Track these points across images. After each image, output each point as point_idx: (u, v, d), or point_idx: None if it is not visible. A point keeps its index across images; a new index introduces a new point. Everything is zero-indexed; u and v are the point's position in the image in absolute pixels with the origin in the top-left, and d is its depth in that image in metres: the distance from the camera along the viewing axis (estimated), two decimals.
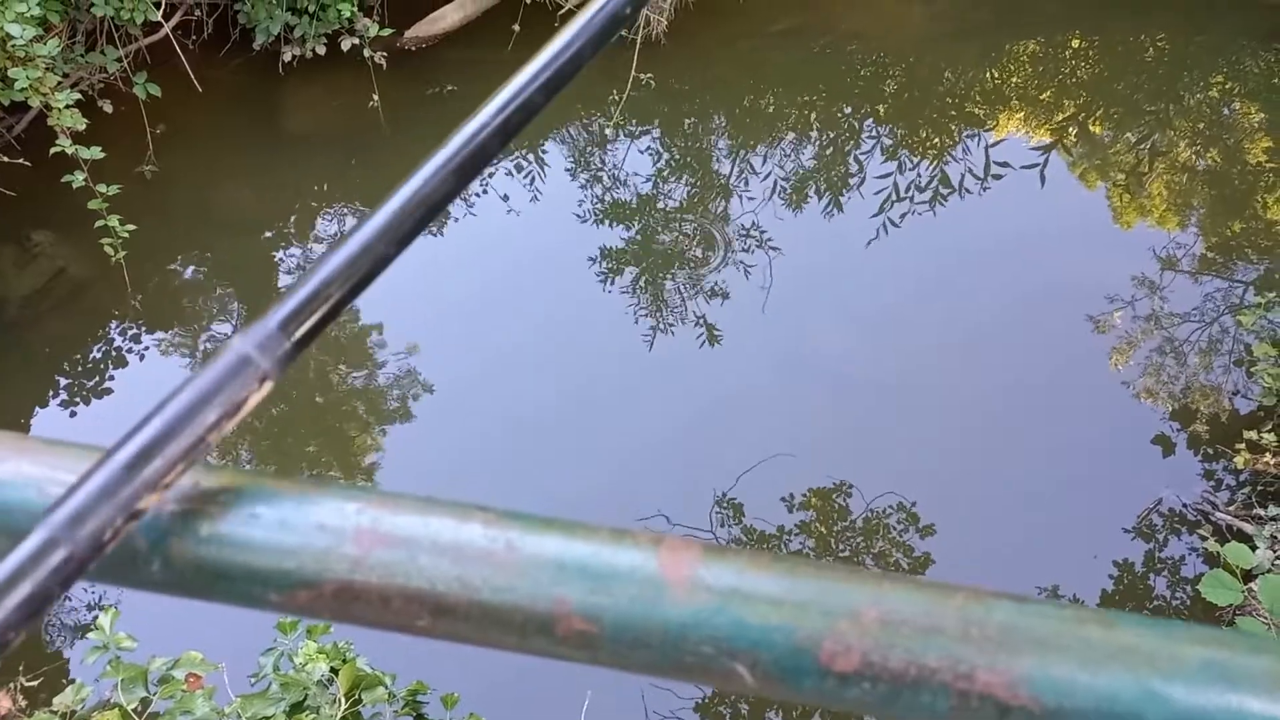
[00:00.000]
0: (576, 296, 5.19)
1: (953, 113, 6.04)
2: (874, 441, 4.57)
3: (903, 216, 5.43)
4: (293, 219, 5.51)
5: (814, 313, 5.04)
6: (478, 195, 5.60)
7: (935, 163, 5.73)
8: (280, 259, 5.29)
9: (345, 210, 5.55)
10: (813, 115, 6.07)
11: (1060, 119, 6.12)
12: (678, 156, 5.89)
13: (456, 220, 5.50)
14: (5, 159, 4.96)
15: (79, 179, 4.58)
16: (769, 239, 5.30)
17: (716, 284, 5.14)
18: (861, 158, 5.77)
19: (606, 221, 5.49)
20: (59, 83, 4.73)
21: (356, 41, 5.69)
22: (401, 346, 4.94)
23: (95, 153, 4.59)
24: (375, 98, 5.78)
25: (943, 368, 4.80)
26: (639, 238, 5.40)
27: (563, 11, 6.09)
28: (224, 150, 5.74)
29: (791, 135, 5.96)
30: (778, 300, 5.07)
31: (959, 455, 4.50)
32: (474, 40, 6.23)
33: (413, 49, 6.11)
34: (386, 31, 5.73)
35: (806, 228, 5.42)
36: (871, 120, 6.01)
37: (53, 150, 4.60)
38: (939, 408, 4.64)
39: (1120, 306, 5.09)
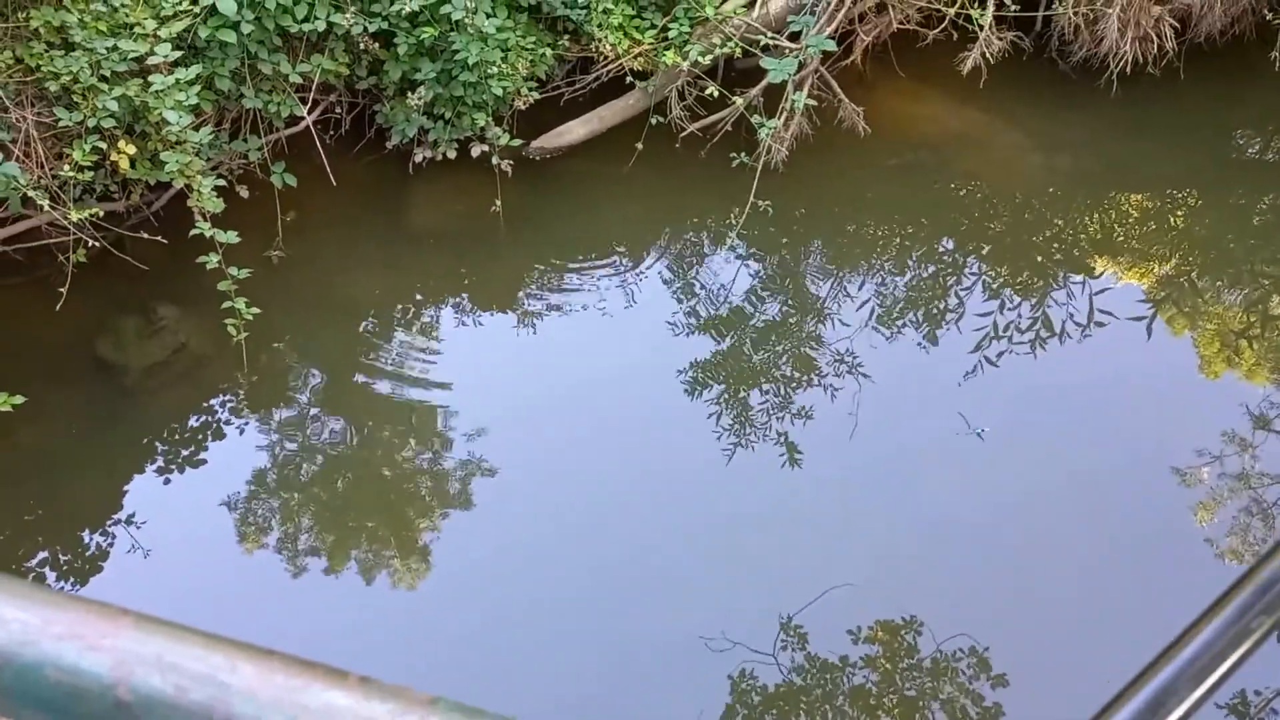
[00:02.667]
0: (658, 404, 5.14)
1: (1059, 257, 5.95)
2: (950, 581, 4.41)
3: (1000, 356, 5.33)
4: (404, 311, 5.57)
5: (900, 444, 4.94)
6: (573, 293, 5.61)
7: (1038, 305, 5.63)
8: (385, 348, 5.32)
9: (455, 308, 5.61)
10: (917, 248, 6.02)
11: (1167, 272, 5.98)
12: (781, 278, 5.88)
13: (543, 317, 5.51)
14: (144, 235, 5.12)
15: (213, 260, 4.71)
16: (860, 365, 5.24)
17: (803, 405, 5.08)
18: (962, 294, 5.71)
19: (700, 333, 5.46)
20: (203, 167, 4.92)
21: (486, 149, 5.81)
22: (473, 433, 4.92)
23: (231, 237, 4.73)
24: (498, 203, 5.85)
25: (1029, 512, 4.63)
26: (730, 353, 5.35)
27: (684, 134, 6.21)
28: (348, 241, 5.84)
29: (894, 266, 5.92)
30: (863, 427, 4.97)
31: (1038, 604, 4.31)
32: (596, 155, 6.30)
33: (537, 158, 6.19)
34: (516, 142, 5.86)
35: (900, 358, 5.35)
36: (975, 258, 5.95)
37: (192, 233, 4.74)
38: (1022, 554, 4.47)
39: (1209, 461, 4.88)
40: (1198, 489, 4.79)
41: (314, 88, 5.57)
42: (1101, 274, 5.87)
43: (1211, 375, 5.47)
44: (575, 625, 4.28)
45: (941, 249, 6.03)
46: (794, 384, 5.22)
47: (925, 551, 4.49)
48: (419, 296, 5.65)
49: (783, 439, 4.90)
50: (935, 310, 5.62)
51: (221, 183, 4.94)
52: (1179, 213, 6.43)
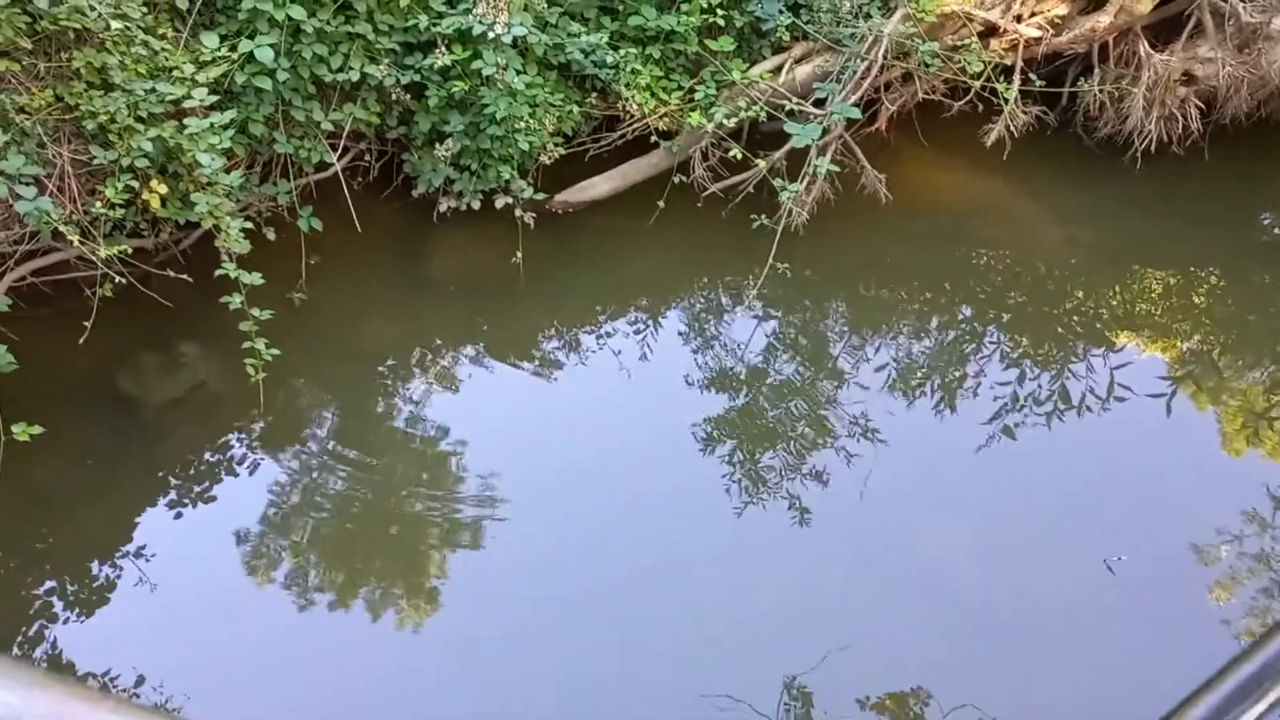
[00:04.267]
0: (670, 460, 5.11)
1: (1079, 330, 5.94)
2: (958, 651, 4.34)
3: (1017, 426, 5.30)
4: (422, 358, 5.59)
5: (912, 510, 4.90)
6: (590, 346, 5.62)
7: (1057, 377, 5.60)
8: (403, 393, 5.35)
9: (472, 357, 5.61)
10: (936, 315, 6.01)
11: (1188, 349, 5.94)
12: (798, 339, 5.86)
13: (559, 369, 5.49)
14: (171, 273, 5.21)
15: (236, 301, 4.78)
16: (875, 429, 5.24)
17: (817, 468, 5.05)
18: (981, 362, 5.70)
19: (716, 391, 5.46)
20: (232, 209, 5.01)
21: (510, 201, 5.91)
22: (486, 484, 4.91)
23: (256, 278, 4.80)
24: (519, 254, 5.92)
25: (1040, 584, 4.56)
26: (745, 412, 5.35)
27: (706, 193, 6.26)
28: (369, 286, 5.89)
29: (913, 331, 5.91)
30: (876, 492, 4.95)
31: (1047, 677, 4.23)
32: (618, 211, 6.34)
33: (559, 212, 6.26)
34: (539, 195, 5.95)
35: (917, 424, 5.34)
36: (994, 327, 5.93)
37: (218, 273, 4.82)
38: (1032, 625, 4.40)
39: (1229, 540, 4.82)
40: (1215, 567, 4.71)
41: (345, 135, 5.69)
42: (1122, 348, 5.85)
43: (1233, 453, 5.39)
44: (578, 681, 4.20)
45: (961, 316, 6.01)
46: (808, 446, 5.19)
47: (934, 620, 4.43)
48: (437, 343, 5.68)
49: (795, 501, 4.88)
50: (953, 377, 5.60)
51: (249, 224, 5.03)
52: (1201, 290, 6.40)
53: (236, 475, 4.86)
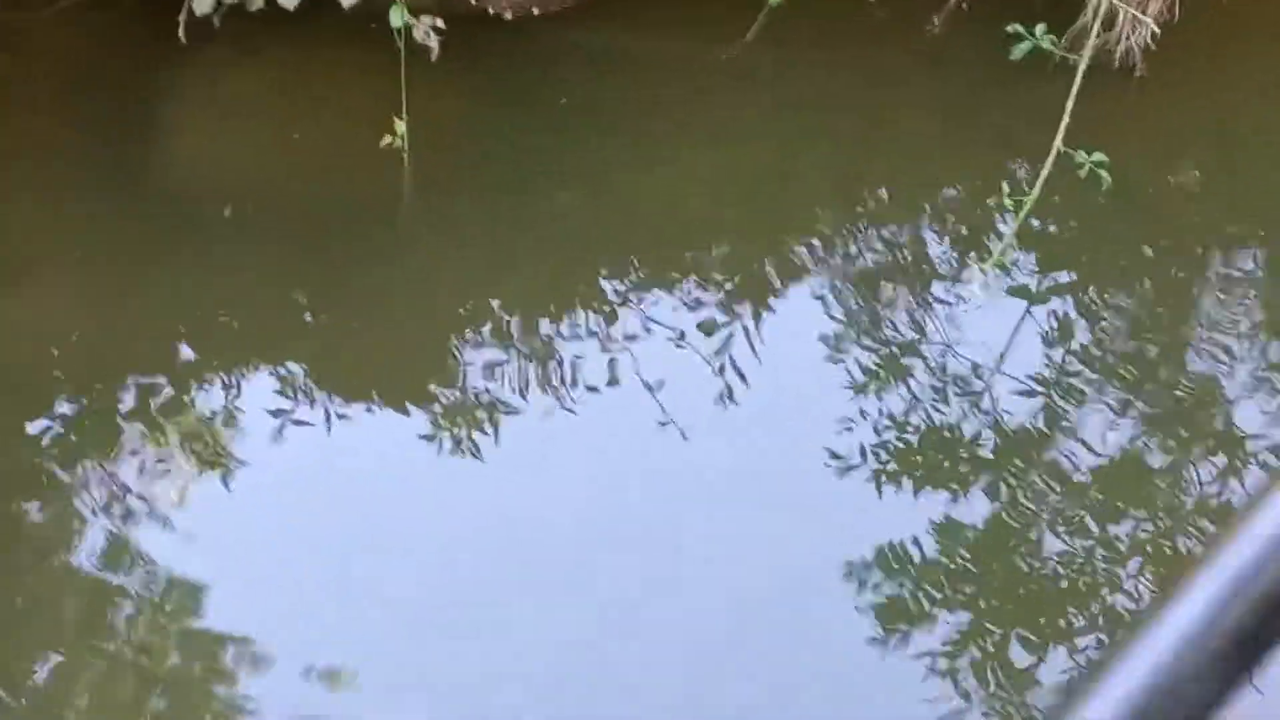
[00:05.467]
0: (789, 661, 3.90)
1: None
2: None
3: None
4: (145, 393, 4.33)
5: None
6: (574, 359, 4.78)
7: None
8: (92, 483, 4.21)
9: (275, 387, 4.33)
10: None
11: None
12: (1124, 348, 4.65)
13: (495, 417, 4.50)
14: None
15: None
16: None
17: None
18: None
19: (902, 478, 4.29)
20: None
21: None
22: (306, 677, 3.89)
23: None
24: (401, 128, 4.30)
25: None
26: (992, 540, 4.16)
27: None
28: (14, 206, 4.61)
29: None
30: None
31: None
32: (652, 15, 5.04)
33: (508, 18, 4.85)
34: None
35: None
36: None
37: None
38: None
39: None
40: None
41: None
42: None
43: None
44: None
45: None
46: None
47: None
48: (187, 350, 4.26)
49: None
50: None
51: None
52: None
53: None
